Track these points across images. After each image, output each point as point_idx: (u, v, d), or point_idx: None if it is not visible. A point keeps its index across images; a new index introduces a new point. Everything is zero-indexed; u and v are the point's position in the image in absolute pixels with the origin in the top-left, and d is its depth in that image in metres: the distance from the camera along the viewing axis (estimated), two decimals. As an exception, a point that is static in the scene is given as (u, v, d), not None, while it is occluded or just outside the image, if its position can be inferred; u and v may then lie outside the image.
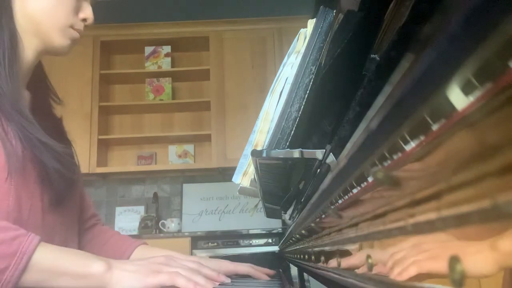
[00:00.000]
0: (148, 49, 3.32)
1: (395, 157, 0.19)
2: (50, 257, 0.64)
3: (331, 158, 0.39)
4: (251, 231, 2.79)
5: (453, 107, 0.13)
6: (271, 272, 0.94)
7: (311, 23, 0.64)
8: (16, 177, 0.70)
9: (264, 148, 0.59)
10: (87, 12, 0.84)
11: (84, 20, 0.84)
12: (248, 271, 0.91)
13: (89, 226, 0.98)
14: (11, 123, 0.72)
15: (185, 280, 0.65)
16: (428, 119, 0.15)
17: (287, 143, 0.53)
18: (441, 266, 0.16)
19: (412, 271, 0.19)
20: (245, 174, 0.75)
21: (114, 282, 0.65)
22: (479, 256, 0.13)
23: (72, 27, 0.82)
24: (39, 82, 0.88)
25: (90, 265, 0.65)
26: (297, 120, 0.54)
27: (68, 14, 0.81)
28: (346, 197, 0.28)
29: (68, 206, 0.84)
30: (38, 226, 0.74)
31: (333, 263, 0.37)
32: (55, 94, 0.92)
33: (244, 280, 0.88)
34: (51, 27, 0.80)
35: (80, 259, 0.66)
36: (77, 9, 0.82)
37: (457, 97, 0.13)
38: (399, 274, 0.20)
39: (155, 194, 3.16)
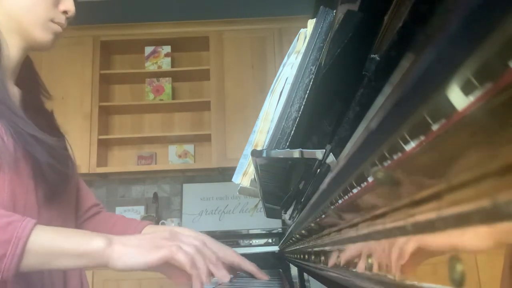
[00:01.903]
0: (148, 49, 3.31)
1: (395, 157, 0.19)
2: (47, 239, 0.63)
3: (331, 158, 0.39)
4: (251, 231, 2.78)
5: (453, 107, 0.13)
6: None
7: (311, 23, 0.64)
8: (9, 173, 0.70)
9: (264, 148, 0.59)
10: (67, 4, 0.82)
11: (65, 12, 0.82)
12: (251, 270, 0.90)
13: (91, 215, 0.97)
14: (1, 119, 0.71)
15: (184, 256, 0.63)
16: (428, 119, 0.15)
17: (287, 143, 0.53)
18: (436, 239, 0.16)
19: (410, 247, 0.19)
20: (245, 174, 0.75)
21: (115, 258, 0.63)
22: (472, 230, 0.13)
23: (52, 20, 0.80)
24: (28, 78, 0.88)
25: (89, 242, 0.64)
26: (297, 120, 0.54)
27: (48, 7, 0.79)
28: (346, 197, 0.28)
29: (64, 199, 0.84)
30: None
31: (333, 263, 0.37)
32: (45, 90, 0.91)
33: (245, 280, 0.88)
34: (31, 23, 0.78)
35: (79, 237, 0.65)
36: (56, 2, 0.81)
37: (457, 97, 0.13)
38: (397, 257, 0.20)
39: (155, 194, 3.16)
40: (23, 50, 0.82)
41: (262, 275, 0.90)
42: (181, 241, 0.68)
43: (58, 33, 0.82)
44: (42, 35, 0.80)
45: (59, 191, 0.81)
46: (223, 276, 0.73)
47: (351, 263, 0.30)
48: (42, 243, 0.62)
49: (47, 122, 0.87)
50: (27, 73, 0.87)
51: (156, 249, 0.64)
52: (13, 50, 0.79)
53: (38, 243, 0.62)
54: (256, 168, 0.60)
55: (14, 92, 0.81)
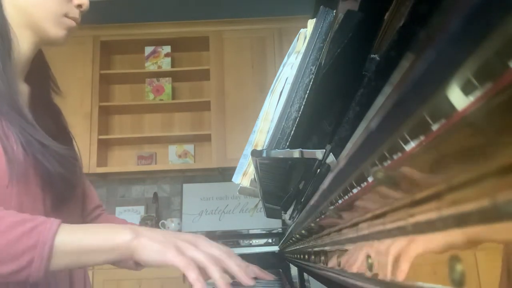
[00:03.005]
0: (148, 49, 3.31)
1: (395, 157, 0.19)
2: (73, 239, 0.63)
3: (331, 158, 0.39)
4: (251, 231, 2.78)
5: (453, 107, 0.13)
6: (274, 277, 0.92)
7: (311, 23, 0.64)
8: (17, 182, 0.69)
9: (264, 148, 0.59)
10: None
11: (79, 6, 0.80)
12: (255, 271, 0.89)
13: (94, 217, 0.97)
14: (11, 126, 0.70)
15: (196, 276, 0.61)
16: (428, 119, 0.15)
17: (287, 143, 0.53)
18: (436, 239, 0.16)
19: (410, 247, 0.19)
20: (245, 174, 0.75)
21: (140, 250, 0.63)
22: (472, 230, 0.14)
23: (66, 15, 0.78)
24: (39, 73, 0.86)
25: (116, 236, 0.64)
26: (297, 120, 0.54)
27: (61, 2, 0.77)
28: (346, 197, 0.28)
29: (71, 206, 0.83)
30: None
31: (333, 263, 0.37)
32: (56, 84, 0.89)
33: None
34: (44, 17, 0.76)
35: (106, 232, 0.65)
36: None
37: (457, 97, 0.13)
38: (397, 257, 0.20)
39: (155, 194, 3.16)
40: (35, 45, 0.80)
41: (265, 275, 0.90)
42: (204, 250, 0.65)
43: (72, 28, 0.80)
44: (55, 30, 0.78)
45: (66, 199, 0.80)
46: (250, 281, 0.68)
47: (351, 263, 0.30)
48: (69, 243, 0.62)
49: (55, 121, 0.86)
50: (38, 67, 0.85)
51: (176, 253, 0.63)
52: (25, 46, 0.77)
53: (64, 244, 0.61)
54: (256, 168, 0.60)
55: (23, 89, 0.80)
